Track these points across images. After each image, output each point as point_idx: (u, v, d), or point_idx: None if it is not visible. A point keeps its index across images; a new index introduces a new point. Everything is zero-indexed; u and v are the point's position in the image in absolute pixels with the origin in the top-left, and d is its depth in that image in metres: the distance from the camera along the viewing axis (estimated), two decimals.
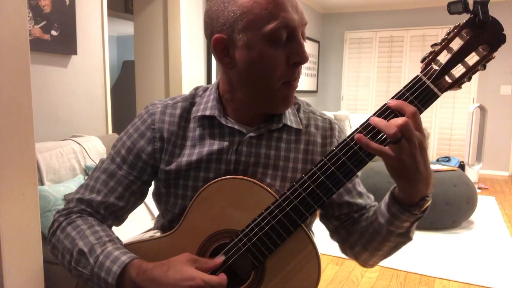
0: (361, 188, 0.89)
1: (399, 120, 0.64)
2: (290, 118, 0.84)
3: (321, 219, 0.92)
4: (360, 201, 0.87)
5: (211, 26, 0.76)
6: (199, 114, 0.83)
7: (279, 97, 0.78)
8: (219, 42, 0.75)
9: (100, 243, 0.75)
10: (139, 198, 0.86)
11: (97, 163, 0.87)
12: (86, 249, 0.74)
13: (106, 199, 0.82)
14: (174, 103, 0.86)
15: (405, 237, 0.77)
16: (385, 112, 0.68)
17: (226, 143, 0.81)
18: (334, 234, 0.90)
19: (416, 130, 0.64)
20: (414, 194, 0.69)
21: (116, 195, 0.82)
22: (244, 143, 0.81)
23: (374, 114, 0.69)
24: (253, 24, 0.71)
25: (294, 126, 0.84)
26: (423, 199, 0.69)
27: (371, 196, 0.91)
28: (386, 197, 0.75)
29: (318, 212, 0.91)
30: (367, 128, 0.68)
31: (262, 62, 0.73)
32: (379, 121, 0.66)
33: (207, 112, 0.82)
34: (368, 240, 0.79)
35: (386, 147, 0.65)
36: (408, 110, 0.65)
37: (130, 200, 0.84)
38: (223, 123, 0.81)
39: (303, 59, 0.74)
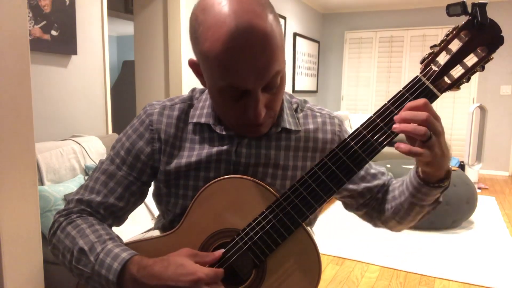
0: (373, 169, 0.91)
1: (423, 116, 0.64)
2: (288, 120, 0.84)
3: (349, 210, 0.95)
4: (377, 182, 0.90)
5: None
6: (195, 120, 0.83)
7: (242, 130, 0.78)
8: (193, 64, 0.76)
9: (100, 241, 0.75)
10: (139, 198, 0.87)
11: (97, 163, 0.87)
12: (87, 247, 0.74)
13: (106, 199, 0.82)
14: (172, 105, 0.86)
15: (437, 203, 0.80)
16: (385, 112, 0.69)
17: (225, 147, 0.81)
18: (365, 217, 0.95)
19: (434, 118, 0.65)
20: (441, 172, 0.72)
21: (115, 195, 0.82)
22: (243, 145, 0.81)
23: (374, 114, 0.69)
24: (209, 73, 0.70)
25: (293, 128, 0.84)
26: (447, 171, 0.73)
27: (383, 169, 0.92)
28: (413, 181, 0.76)
29: (341, 204, 0.95)
30: (368, 126, 0.70)
31: (219, 104, 0.75)
32: (406, 126, 0.65)
33: (202, 120, 0.82)
34: (402, 217, 0.83)
35: (422, 148, 0.65)
36: (419, 104, 0.65)
37: (130, 201, 0.84)
38: (218, 132, 0.81)
39: (255, 120, 0.71)
